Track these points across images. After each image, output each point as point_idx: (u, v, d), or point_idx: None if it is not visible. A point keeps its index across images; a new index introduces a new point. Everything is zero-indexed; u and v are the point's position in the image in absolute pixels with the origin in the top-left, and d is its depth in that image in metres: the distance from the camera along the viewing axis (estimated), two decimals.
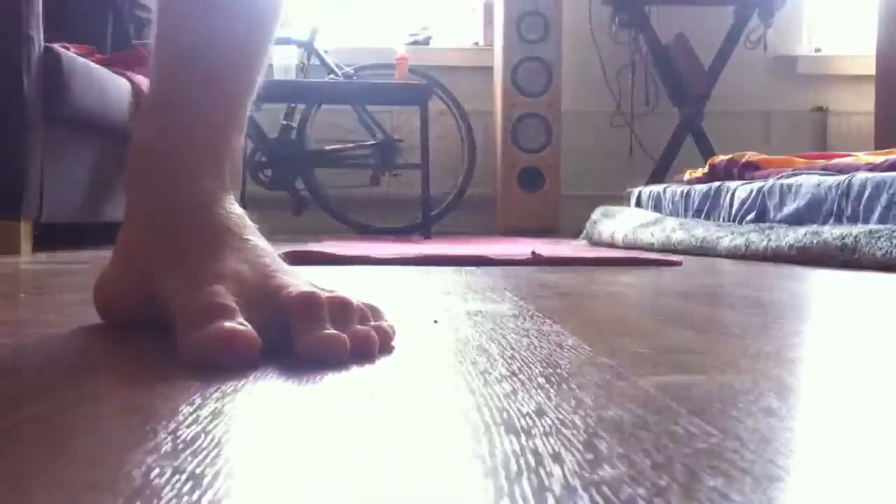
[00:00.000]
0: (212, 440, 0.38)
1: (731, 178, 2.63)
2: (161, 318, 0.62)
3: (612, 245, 2.78)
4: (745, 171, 2.58)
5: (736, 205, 2.40)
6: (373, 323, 0.62)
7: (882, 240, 1.64)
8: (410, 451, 0.37)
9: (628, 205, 3.30)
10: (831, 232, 1.80)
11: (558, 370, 0.56)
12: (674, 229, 2.47)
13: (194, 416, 0.43)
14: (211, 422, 0.42)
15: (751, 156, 2.64)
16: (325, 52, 3.89)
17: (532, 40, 3.88)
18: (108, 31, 3.07)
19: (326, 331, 0.56)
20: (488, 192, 4.22)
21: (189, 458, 0.36)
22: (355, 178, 3.85)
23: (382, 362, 0.59)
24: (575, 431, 0.40)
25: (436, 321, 0.81)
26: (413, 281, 1.29)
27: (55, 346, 0.64)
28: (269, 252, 0.66)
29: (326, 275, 1.41)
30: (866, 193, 1.89)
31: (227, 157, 0.71)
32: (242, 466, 0.35)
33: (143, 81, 2.67)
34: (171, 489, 0.32)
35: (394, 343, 0.63)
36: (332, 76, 3.81)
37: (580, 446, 0.38)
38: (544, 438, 0.39)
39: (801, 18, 4.48)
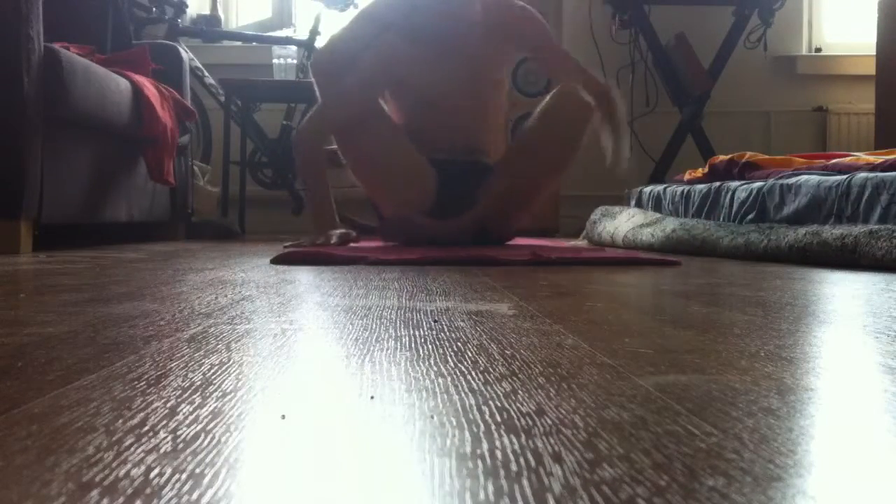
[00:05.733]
0: (212, 440, 0.38)
1: (731, 178, 2.63)
2: None
3: (612, 245, 2.78)
4: (745, 171, 2.58)
5: (736, 205, 2.40)
6: None
7: (882, 240, 1.64)
8: (411, 450, 0.37)
9: (628, 205, 3.30)
10: (831, 232, 1.80)
11: (558, 370, 0.56)
12: (674, 229, 2.47)
13: (194, 415, 0.43)
14: (211, 422, 0.42)
15: (751, 156, 2.64)
16: None
17: None
18: (108, 31, 3.07)
19: None
20: None
21: (189, 458, 0.36)
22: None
23: (383, 363, 0.59)
24: (575, 431, 0.40)
25: (436, 321, 0.81)
26: (413, 281, 1.29)
27: (55, 346, 0.65)
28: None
29: (326, 274, 1.41)
30: (866, 193, 1.89)
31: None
32: (242, 466, 0.35)
33: (143, 81, 2.67)
34: (171, 489, 0.32)
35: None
36: None
37: (580, 446, 0.38)
38: (544, 438, 0.39)
39: (801, 18, 4.48)
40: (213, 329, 0.75)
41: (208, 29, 3.87)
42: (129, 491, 0.31)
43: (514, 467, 0.35)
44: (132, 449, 0.37)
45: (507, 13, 2.48)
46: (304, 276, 1.37)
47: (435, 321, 0.81)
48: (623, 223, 2.90)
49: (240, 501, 0.31)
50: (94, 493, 0.31)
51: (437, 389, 0.50)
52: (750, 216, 2.30)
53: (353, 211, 3.90)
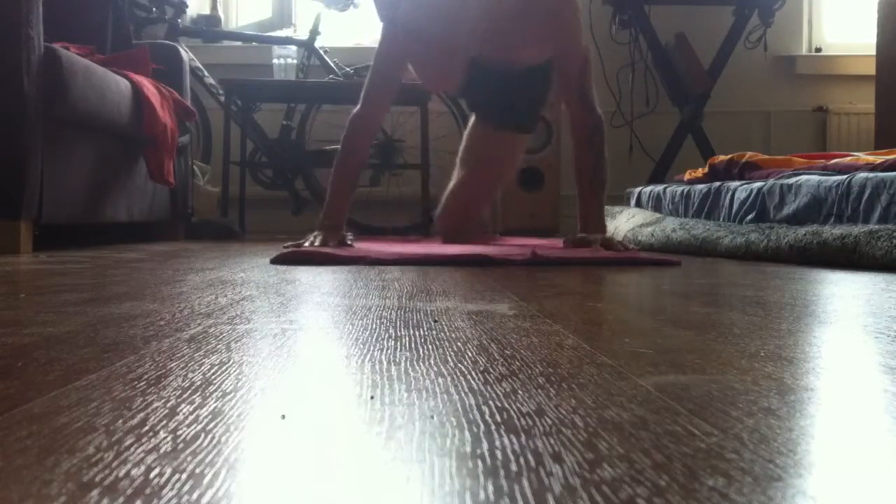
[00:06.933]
0: (212, 440, 0.38)
1: (731, 178, 2.63)
2: None
3: None
4: (745, 171, 2.58)
5: (736, 205, 2.40)
6: None
7: (882, 240, 1.64)
8: (411, 450, 0.37)
9: (628, 205, 3.30)
10: (831, 232, 1.80)
11: (558, 370, 0.56)
12: (674, 229, 2.47)
13: (194, 415, 0.43)
14: (211, 422, 0.42)
15: (751, 156, 2.64)
16: (325, 52, 3.88)
17: None
18: (108, 31, 3.07)
19: None
20: None
21: (189, 458, 0.36)
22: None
23: (383, 362, 0.59)
24: (575, 431, 0.40)
25: (436, 321, 0.81)
26: (413, 281, 1.29)
27: (55, 346, 0.65)
28: None
29: (326, 275, 1.41)
30: (866, 193, 1.89)
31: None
32: (242, 466, 0.35)
33: (143, 81, 2.67)
34: (171, 489, 0.32)
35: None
36: (332, 76, 3.81)
37: (580, 446, 0.38)
38: (544, 438, 0.39)
39: (801, 18, 4.48)
40: (213, 329, 0.75)
41: (208, 29, 3.87)
42: (129, 491, 0.31)
43: (514, 467, 0.35)
44: (132, 449, 0.37)
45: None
46: (304, 276, 1.37)
47: (435, 321, 0.81)
48: (623, 223, 2.90)
49: (240, 501, 0.31)
50: (94, 493, 0.31)
51: (437, 389, 0.50)
52: (750, 216, 2.30)
53: (354, 211, 3.90)
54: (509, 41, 2.31)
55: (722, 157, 2.80)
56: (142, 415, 0.43)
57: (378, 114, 2.35)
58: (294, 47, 3.91)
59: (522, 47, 2.34)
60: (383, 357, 0.61)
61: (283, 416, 0.43)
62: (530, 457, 0.36)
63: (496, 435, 0.39)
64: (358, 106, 2.31)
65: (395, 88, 2.34)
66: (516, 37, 2.30)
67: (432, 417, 0.43)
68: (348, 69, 3.81)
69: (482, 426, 0.41)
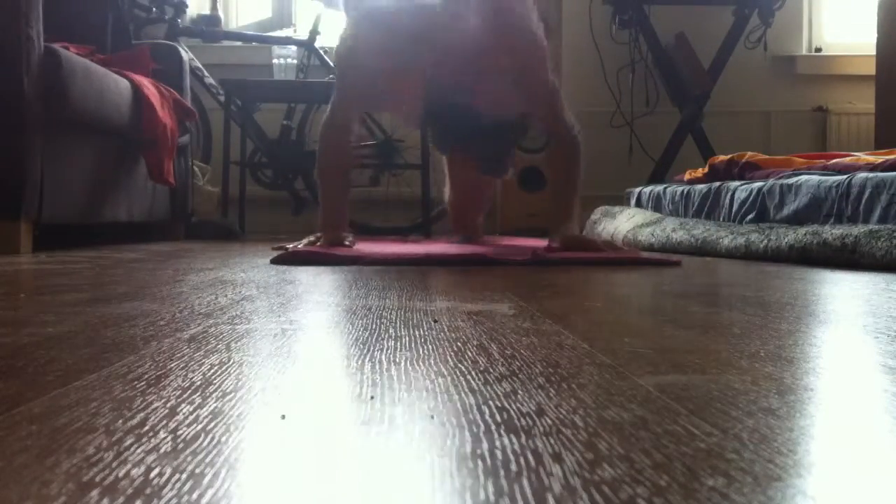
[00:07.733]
0: (212, 440, 0.38)
1: (731, 178, 2.63)
2: None
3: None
4: (745, 171, 2.58)
5: (736, 205, 2.40)
6: None
7: (882, 240, 1.64)
8: (411, 450, 0.37)
9: (628, 205, 3.30)
10: (831, 232, 1.80)
11: (558, 370, 0.56)
12: (674, 229, 2.47)
13: (194, 415, 0.43)
14: (211, 422, 0.42)
15: (751, 156, 2.64)
16: (325, 52, 3.88)
17: None
18: (108, 31, 3.07)
19: None
20: None
21: (189, 458, 0.36)
22: (355, 177, 3.85)
23: (383, 362, 0.59)
24: (575, 431, 0.40)
25: (436, 321, 0.81)
26: (413, 281, 1.29)
27: (55, 346, 0.65)
28: None
29: (326, 275, 1.41)
30: (866, 193, 1.89)
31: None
32: (242, 466, 0.35)
33: (143, 81, 2.67)
34: (171, 489, 0.32)
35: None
36: (332, 76, 3.81)
37: (580, 446, 0.38)
38: (544, 438, 0.39)
39: (801, 18, 4.48)
40: (213, 329, 0.75)
41: (208, 29, 3.87)
42: (129, 491, 0.31)
43: (514, 467, 0.35)
44: (132, 449, 0.37)
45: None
46: (304, 276, 1.37)
47: (435, 321, 0.81)
48: (623, 223, 2.90)
49: (240, 501, 0.31)
50: (94, 493, 0.31)
51: (437, 389, 0.50)
52: (750, 216, 2.30)
53: (354, 211, 3.90)
54: (479, 93, 2.20)
55: (722, 157, 2.80)
56: (142, 415, 0.43)
57: (349, 125, 2.23)
58: (294, 47, 3.91)
59: (493, 103, 2.23)
60: (383, 357, 0.61)
61: (283, 416, 0.43)
62: (530, 457, 0.36)
63: (496, 435, 0.39)
64: (326, 114, 2.20)
65: (363, 97, 2.23)
66: (485, 93, 2.19)
67: (432, 417, 0.43)
68: None
69: (482, 426, 0.41)
